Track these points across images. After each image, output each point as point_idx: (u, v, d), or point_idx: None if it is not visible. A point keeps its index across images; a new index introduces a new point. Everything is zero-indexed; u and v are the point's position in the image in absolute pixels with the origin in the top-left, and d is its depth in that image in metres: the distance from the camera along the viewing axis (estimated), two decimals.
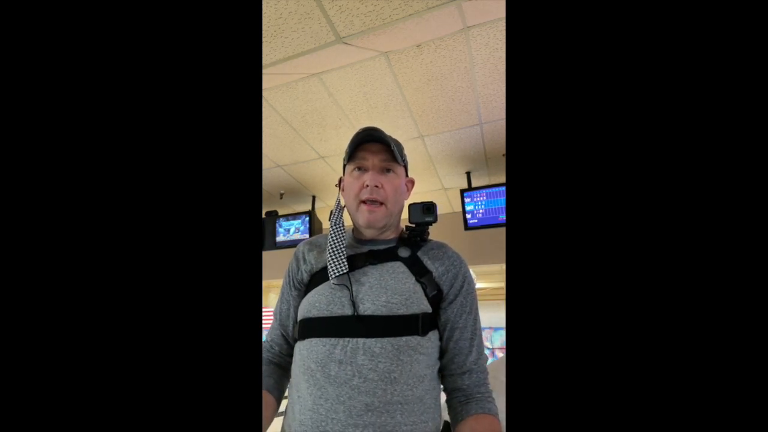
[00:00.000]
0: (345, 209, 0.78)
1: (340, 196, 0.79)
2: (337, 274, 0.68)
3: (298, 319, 0.71)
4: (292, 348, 0.75)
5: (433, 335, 0.67)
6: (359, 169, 0.74)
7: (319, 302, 0.67)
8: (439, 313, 0.70)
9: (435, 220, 0.75)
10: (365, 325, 0.62)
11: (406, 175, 0.80)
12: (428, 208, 0.75)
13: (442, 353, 0.70)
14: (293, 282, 0.78)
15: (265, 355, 0.77)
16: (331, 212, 0.77)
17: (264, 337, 0.76)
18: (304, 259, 0.77)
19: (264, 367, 0.74)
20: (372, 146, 0.73)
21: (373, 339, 0.62)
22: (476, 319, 0.71)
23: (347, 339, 0.61)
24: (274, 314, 0.80)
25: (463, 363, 0.67)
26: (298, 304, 0.73)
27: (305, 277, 0.75)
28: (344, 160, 0.77)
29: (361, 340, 0.62)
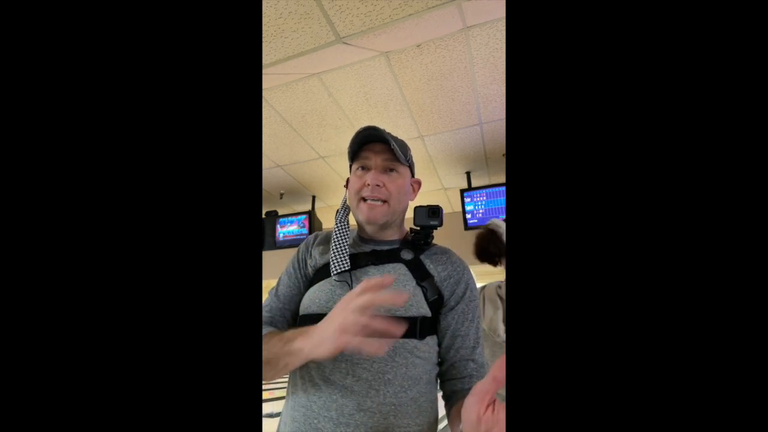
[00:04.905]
0: (350, 209, 0.78)
1: (347, 195, 0.80)
2: (339, 270, 0.68)
3: (299, 314, 0.70)
4: None
5: (431, 340, 0.67)
6: (363, 168, 0.74)
7: (319, 299, 0.67)
8: (439, 319, 0.69)
9: (440, 224, 0.74)
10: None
11: (413, 176, 0.80)
12: (434, 211, 0.75)
13: (442, 360, 0.69)
14: (302, 269, 0.76)
15: (264, 329, 0.69)
16: (338, 211, 0.77)
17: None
18: (311, 254, 0.77)
19: (266, 328, 0.69)
20: (375, 146, 0.73)
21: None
22: (478, 328, 0.71)
23: None
24: (276, 295, 0.75)
25: (464, 369, 0.67)
26: (304, 293, 0.72)
27: (310, 271, 0.75)
28: (349, 160, 0.77)
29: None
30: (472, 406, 0.42)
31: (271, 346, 0.61)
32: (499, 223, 1.27)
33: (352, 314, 0.50)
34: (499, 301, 1.17)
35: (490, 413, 0.41)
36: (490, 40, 1.59)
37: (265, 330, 0.67)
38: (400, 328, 0.50)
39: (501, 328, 1.11)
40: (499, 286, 1.22)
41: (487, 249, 1.25)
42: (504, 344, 1.08)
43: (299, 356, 0.56)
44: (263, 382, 0.63)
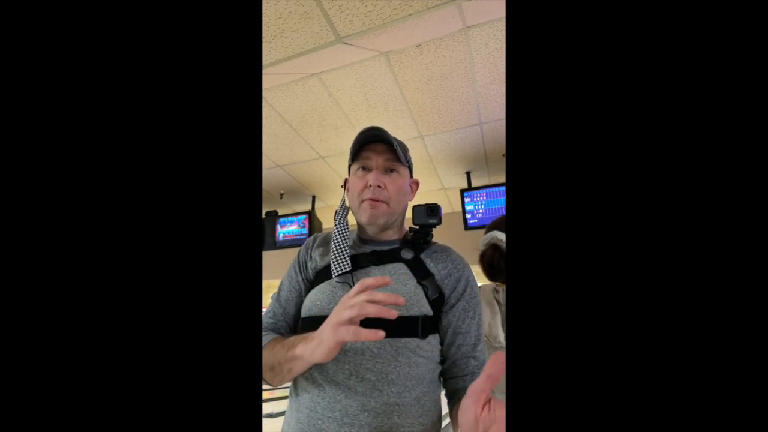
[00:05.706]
0: (349, 210, 0.78)
1: (345, 196, 0.80)
2: (340, 271, 0.68)
3: (301, 317, 0.70)
4: None
5: (434, 338, 0.67)
6: (363, 168, 0.74)
7: (320, 300, 0.67)
8: (441, 317, 0.69)
9: (439, 223, 0.75)
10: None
11: (411, 177, 0.80)
12: (432, 210, 0.75)
13: (444, 358, 0.69)
14: (303, 272, 0.76)
15: (268, 336, 0.69)
16: (336, 212, 0.77)
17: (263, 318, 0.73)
18: (311, 256, 0.77)
19: (270, 335, 0.69)
20: (376, 146, 0.73)
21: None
22: (479, 324, 0.71)
23: None
24: (278, 300, 0.75)
25: (466, 366, 0.67)
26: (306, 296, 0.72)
27: (311, 273, 0.75)
28: (349, 160, 0.77)
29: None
30: (468, 407, 0.42)
31: (275, 352, 0.62)
32: (500, 236, 1.19)
33: (346, 310, 0.52)
34: (497, 306, 1.15)
35: (486, 412, 0.41)
36: (490, 40, 1.59)
37: (270, 336, 0.68)
38: (394, 313, 0.51)
39: (501, 335, 1.09)
40: (496, 290, 1.18)
41: (498, 266, 1.13)
42: (502, 350, 1.01)
43: (301, 361, 0.57)
44: (271, 386, 0.65)
